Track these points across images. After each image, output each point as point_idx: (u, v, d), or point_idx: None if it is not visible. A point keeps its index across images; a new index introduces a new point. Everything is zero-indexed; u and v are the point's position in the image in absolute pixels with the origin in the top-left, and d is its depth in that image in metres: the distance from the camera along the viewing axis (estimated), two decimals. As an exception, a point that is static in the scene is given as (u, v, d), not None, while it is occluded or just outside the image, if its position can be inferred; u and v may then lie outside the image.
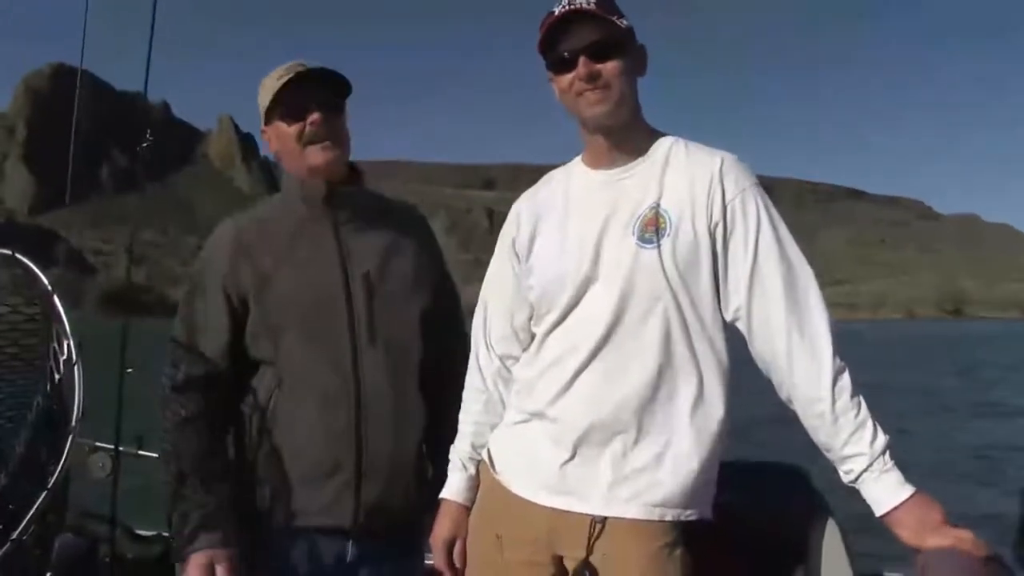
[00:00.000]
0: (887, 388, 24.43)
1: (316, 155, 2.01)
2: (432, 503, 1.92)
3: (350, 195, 2.07)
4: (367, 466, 1.94)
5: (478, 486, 1.85)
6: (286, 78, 1.99)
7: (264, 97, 2.03)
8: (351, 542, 1.97)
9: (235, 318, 2.00)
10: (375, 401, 1.96)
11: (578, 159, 1.83)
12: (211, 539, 1.88)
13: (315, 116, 1.98)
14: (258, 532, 1.98)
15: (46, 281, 1.72)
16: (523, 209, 1.87)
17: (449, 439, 1.93)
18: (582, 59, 1.67)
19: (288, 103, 2.00)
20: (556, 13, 1.68)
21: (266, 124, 2.07)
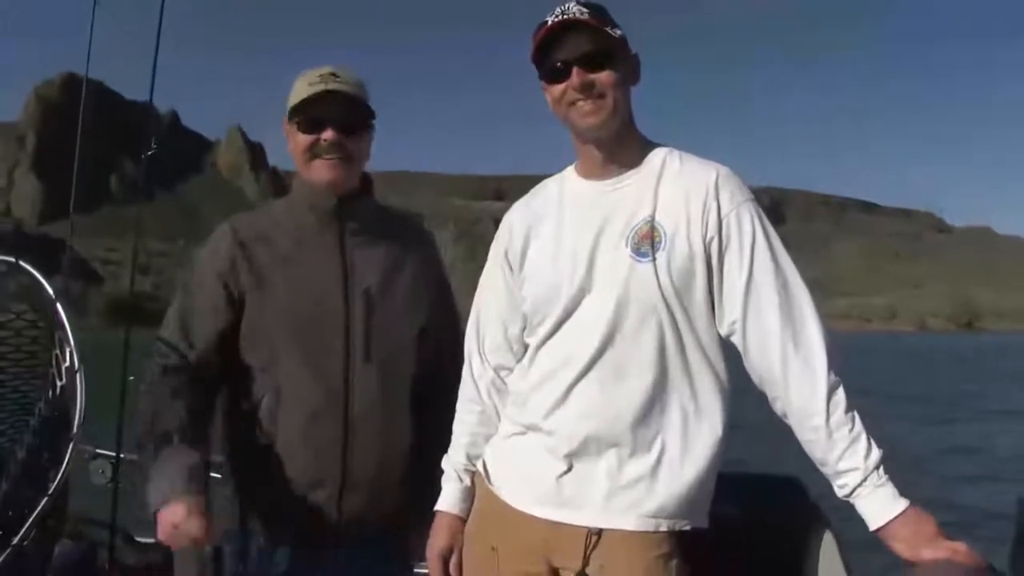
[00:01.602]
0: (898, 399, 24.35)
1: (321, 170, 2.01)
2: (418, 517, 1.92)
3: (358, 207, 2.07)
4: (351, 481, 1.95)
5: (473, 497, 1.84)
6: (311, 92, 1.98)
7: (292, 98, 2.03)
8: (333, 553, 1.97)
9: (232, 311, 1.99)
10: (364, 417, 1.96)
11: (571, 168, 1.82)
12: (186, 490, 1.73)
13: (328, 133, 1.98)
14: (243, 538, 1.98)
15: (50, 289, 1.74)
16: (515, 219, 1.86)
17: (434, 455, 1.93)
18: (575, 69, 1.66)
19: (306, 114, 2.00)
20: (549, 23, 1.68)
21: (288, 121, 2.05)
